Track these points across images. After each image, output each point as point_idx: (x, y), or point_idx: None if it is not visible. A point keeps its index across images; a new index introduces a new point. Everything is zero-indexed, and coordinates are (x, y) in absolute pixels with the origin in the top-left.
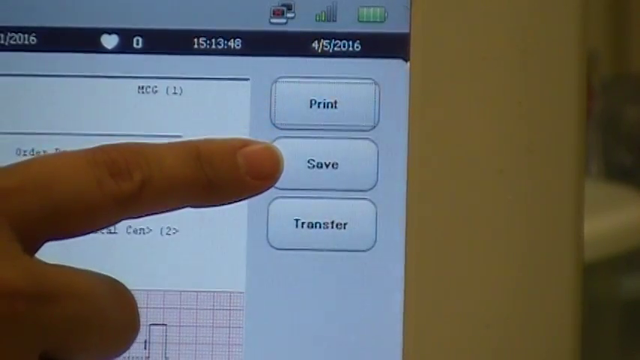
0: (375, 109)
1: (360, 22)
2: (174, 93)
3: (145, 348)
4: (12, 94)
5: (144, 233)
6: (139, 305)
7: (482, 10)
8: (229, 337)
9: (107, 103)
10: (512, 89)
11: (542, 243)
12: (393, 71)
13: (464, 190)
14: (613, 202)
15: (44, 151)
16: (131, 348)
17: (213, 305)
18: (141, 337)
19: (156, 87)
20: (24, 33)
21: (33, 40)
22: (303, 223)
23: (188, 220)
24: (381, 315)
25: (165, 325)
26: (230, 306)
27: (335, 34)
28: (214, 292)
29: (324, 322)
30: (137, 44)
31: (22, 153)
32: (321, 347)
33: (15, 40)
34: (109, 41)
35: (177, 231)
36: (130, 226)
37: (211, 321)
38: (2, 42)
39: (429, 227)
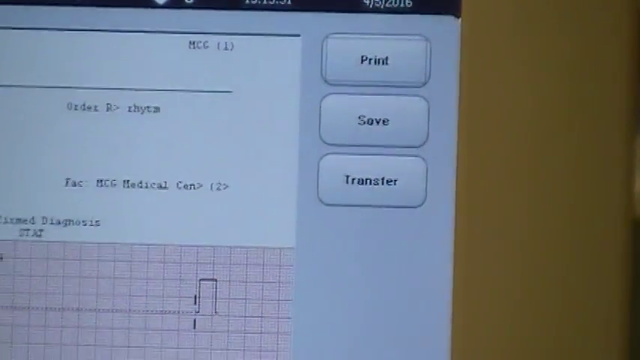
0: (425, 66)
1: None
2: (225, 49)
3: (195, 303)
4: (63, 49)
5: (194, 188)
6: (189, 261)
7: None
8: (279, 293)
9: (158, 58)
10: (563, 46)
11: (592, 200)
12: (444, 28)
13: (514, 147)
14: None
15: (95, 106)
16: (181, 303)
17: (264, 261)
18: (190, 292)
19: (207, 42)
20: None
21: None
22: (353, 179)
23: (238, 176)
24: (431, 272)
25: (215, 280)
26: (280, 262)
27: None
28: (264, 247)
29: (374, 279)
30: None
31: (73, 107)
32: (370, 303)
33: None
34: None
35: (227, 186)
36: (181, 182)
37: (261, 277)
38: None
39: (480, 184)
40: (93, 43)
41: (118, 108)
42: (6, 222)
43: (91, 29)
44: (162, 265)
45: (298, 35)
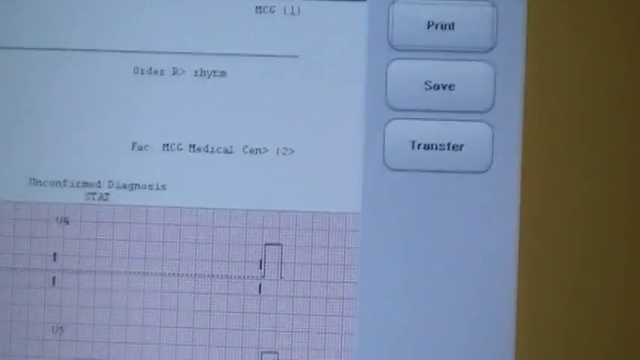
0: (492, 31)
1: None
2: (292, 13)
3: (260, 267)
4: (130, 13)
5: (260, 153)
6: (254, 225)
7: None
8: (344, 258)
9: (224, 23)
10: (632, 9)
11: None
12: None
13: (580, 111)
14: None
15: (161, 71)
16: (246, 267)
17: (329, 226)
18: (256, 256)
19: (273, 7)
20: None
21: None
22: (419, 144)
23: (304, 140)
24: (496, 237)
25: (281, 245)
26: (346, 227)
27: None
28: (330, 212)
29: (438, 244)
30: None
31: (140, 71)
32: (434, 267)
33: None
34: None
35: (293, 151)
36: (247, 146)
37: (326, 241)
38: None
39: (546, 149)
40: (160, 8)
41: (184, 72)
42: (72, 186)
43: None
44: (227, 229)
45: (365, 0)
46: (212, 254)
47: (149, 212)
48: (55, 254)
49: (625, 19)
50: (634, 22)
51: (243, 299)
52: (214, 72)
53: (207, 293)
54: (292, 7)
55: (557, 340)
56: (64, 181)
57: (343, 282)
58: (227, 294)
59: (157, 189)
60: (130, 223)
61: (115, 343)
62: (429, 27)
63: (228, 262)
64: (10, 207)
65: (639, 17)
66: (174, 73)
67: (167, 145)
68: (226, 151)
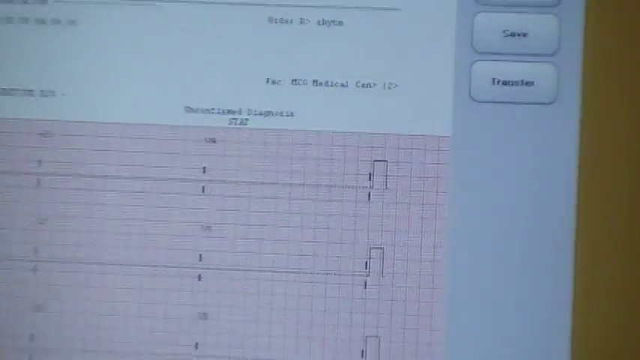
0: None
1: None
2: None
3: (370, 179)
4: None
5: (370, 87)
6: (365, 145)
7: None
8: (437, 172)
9: None
10: None
11: None
12: None
13: (636, 56)
14: None
15: (290, 20)
16: (358, 179)
17: (425, 146)
18: (366, 170)
19: None
20: None
21: None
22: (498, 81)
23: (406, 77)
24: (560, 159)
25: (386, 161)
26: (439, 147)
27: None
28: (426, 135)
29: (515, 163)
30: None
31: (274, 21)
32: (510, 184)
33: None
34: None
35: (397, 86)
36: (359, 81)
37: (423, 159)
38: None
39: (603, 87)
40: None
41: (309, 22)
42: (218, 112)
43: None
44: (343, 148)
45: None
46: (331, 169)
47: (280, 134)
48: (204, 168)
49: None
50: None
51: (355, 205)
52: (333, 21)
53: (327, 200)
54: None
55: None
56: (212, 109)
57: (437, 192)
58: (342, 200)
59: (287, 115)
60: (264, 143)
61: (255, 247)
62: None
63: (344, 174)
64: (168, 130)
65: None
66: (301, 23)
67: (295, 80)
68: (342, 85)
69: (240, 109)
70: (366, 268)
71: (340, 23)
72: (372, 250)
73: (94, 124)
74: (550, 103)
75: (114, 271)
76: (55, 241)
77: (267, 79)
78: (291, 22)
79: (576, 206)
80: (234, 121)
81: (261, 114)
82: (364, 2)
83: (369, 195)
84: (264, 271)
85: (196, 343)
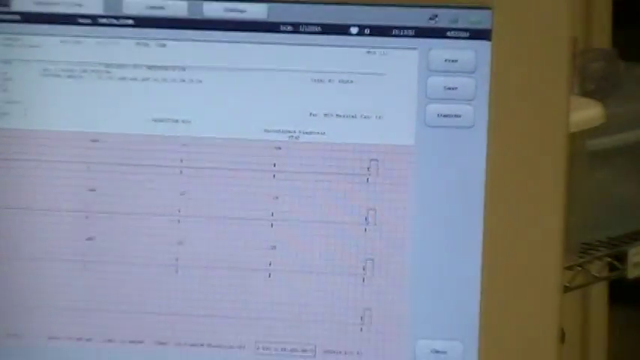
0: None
1: None
2: None
3: (368, 170)
4: None
5: (369, 118)
6: (366, 149)
7: None
8: (406, 165)
9: None
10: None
11: None
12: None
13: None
14: None
15: (329, 80)
16: (360, 170)
17: (400, 150)
18: (365, 164)
19: None
20: None
21: None
22: (440, 114)
23: (389, 110)
24: (475, 162)
25: (377, 160)
26: (408, 151)
27: None
28: (400, 145)
29: (450, 164)
30: None
31: (315, 81)
32: (445, 178)
33: None
34: None
35: (382, 117)
36: None
37: (399, 157)
38: None
39: (501, 118)
40: None
41: (333, 81)
42: (283, 132)
43: None
44: (352, 150)
45: None
46: (341, 163)
47: (316, 145)
48: (275, 164)
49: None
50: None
51: (359, 186)
52: (349, 81)
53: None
54: None
55: None
56: (279, 130)
57: (406, 178)
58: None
59: (320, 134)
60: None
61: None
62: None
63: (352, 167)
64: (250, 142)
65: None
66: (329, 81)
67: (326, 114)
68: (352, 117)
69: (295, 130)
70: (365, 220)
71: (351, 82)
72: (369, 211)
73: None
74: (470, 127)
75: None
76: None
77: (310, 112)
78: (330, 81)
79: (485, 198)
80: (291, 137)
81: (306, 133)
82: (370, 69)
83: (367, 179)
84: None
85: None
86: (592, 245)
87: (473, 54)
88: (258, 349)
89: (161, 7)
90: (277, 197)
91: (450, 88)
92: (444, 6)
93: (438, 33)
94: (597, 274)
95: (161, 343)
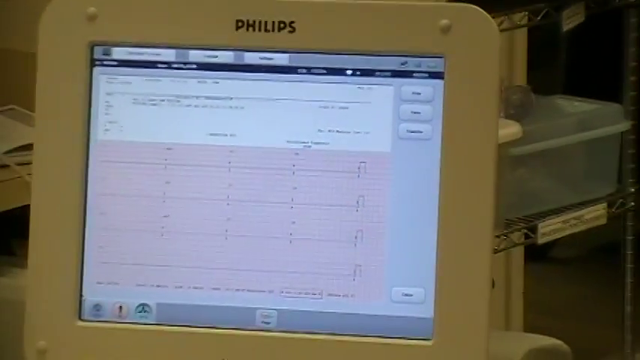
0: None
1: None
2: None
3: (358, 169)
4: None
5: (361, 134)
6: (355, 155)
7: None
8: (384, 167)
9: None
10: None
11: None
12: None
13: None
14: None
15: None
16: (351, 167)
17: (379, 155)
18: (356, 166)
19: None
20: None
21: None
22: (408, 130)
23: (376, 129)
24: (432, 164)
25: (366, 162)
26: (385, 156)
27: None
28: (380, 152)
29: (414, 169)
30: None
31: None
32: (410, 178)
33: None
34: None
35: (369, 132)
36: None
37: (378, 160)
38: None
39: (451, 132)
40: None
41: (333, 106)
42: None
43: None
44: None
45: None
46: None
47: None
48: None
49: None
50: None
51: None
52: (359, 102)
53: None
54: None
55: None
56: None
57: (383, 178)
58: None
59: (324, 143)
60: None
61: None
62: None
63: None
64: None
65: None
66: (340, 107)
67: (330, 130)
68: (347, 132)
69: (308, 141)
70: (357, 204)
71: (347, 108)
72: (359, 197)
73: None
74: (429, 139)
75: None
76: None
77: (318, 129)
78: (332, 107)
79: (439, 187)
80: (306, 146)
81: (316, 143)
82: (360, 99)
83: (358, 175)
84: None
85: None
86: (513, 221)
87: (431, 89)
88: (282, 293)
89: (215, 56)
90: (295, 187)
91: (415, 112)
92: (411, 55)
93: (407, 74)
94: (517, 241)
95: (215, 289)
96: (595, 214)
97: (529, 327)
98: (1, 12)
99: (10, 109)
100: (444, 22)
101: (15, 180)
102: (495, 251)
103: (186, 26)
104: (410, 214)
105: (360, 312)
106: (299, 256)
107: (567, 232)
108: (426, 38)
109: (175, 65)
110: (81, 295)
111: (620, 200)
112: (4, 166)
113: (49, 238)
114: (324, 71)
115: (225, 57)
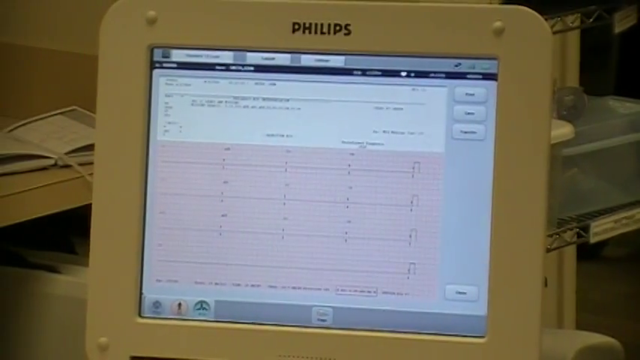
0: None
1: None
2: None
3: (413, 168)
4: None
5: (414, 134)
6: (411, 155)
7: None
8: (438, 167)
9: None
10: None
11: None
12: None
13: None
14: None
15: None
16: (406, 169)
17: (433, 156)
18: (410, 166)
19: None
20: None
21: None
22: (462, 131)
23: (431, 130)
24: (486, 166)
25: (420, 162)
26: (439, 157)
27: None
28: (435, 152)
29: (468, 169)
30: None
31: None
32: (465, 178)
33: None
34: None
35: (423, 133)
36: None
37: (433, 162)
38: None
39: (504, 134)
40: None
41: (384, 107)
42: (354, 143)
43: None
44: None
45: None
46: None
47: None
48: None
49: None
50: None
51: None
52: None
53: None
54: None
55: None
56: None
57: (435, 179)
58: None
59: (379, 144)
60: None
61: None
62: None
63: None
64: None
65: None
66: (385, 108)
67: (385, 131)
68: (401, 133)
69: (363, 142)
70: (411, 203)
71: (402, 109)
72: (413, 197)
73: None
74: (482, 140)
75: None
76: None
77: (373, 130)
78: (387, 108)
79: (492, 187)
80: (361, 146)
81: (371, 144)
82: (414, 100)
83: (412, 175)
84: None
85: None
86: (565, 220)
87: (485, 90)
88: (337, 290)
89: (272, 59)
90: (351, 187)
91: (468, 113)
92: (465, 57)
93: (461, 76)
94: (569, 240)
95: (272, 286)
96: None
97: (581, 325)
98: (66, 16)
99: (72, 110)
100: (498, 24)
101: (77, 180)
102: (548, 250)
103: (244, 29)
104: (463, 213)
105: (414, 309)
106: (354, 254)
107: (619, 232)
108: (480, 40)
109: (233, 67)
110: (141, 293)
111: None
112: (66, 166)
113: (110, 236)
114: (379, 73)
115: (282, 59)
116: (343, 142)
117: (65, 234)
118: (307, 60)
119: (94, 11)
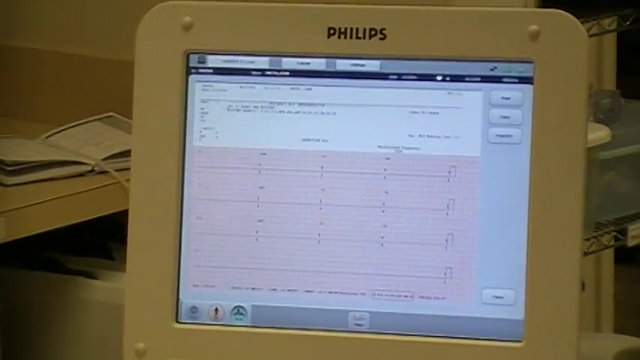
0: None
1: None
2: None
3: (449, 173)
4: None
5: (451, 138)
6: (448, 160)
7: None
8: (474, 170)
9: None
10: None
11: None
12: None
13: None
14: None
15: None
16: (441, 173)
17: (470, 158)
18: (446, 170)
19: None
20: None
21: None
22: (497, 134)
23: (466, 133)
24: (522, 169)
25: (455, 166)
26: (475, 160)
27: None
28: (470, 156)
29: (505, 171)
30: None
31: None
32: (502, 180)
33: None
34: None
35: (459, 137)
36: None
37: (470, 164)
38: None
39: (540, 137)
40: None
41: (421, 112)
42: (391, 148)
43: None
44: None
45: None
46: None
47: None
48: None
49: None
50: None
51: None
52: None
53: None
54: None
55: None
56: (398, 146)
57: (473, 183)
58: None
59: (414, 149)
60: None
61: None
62: None
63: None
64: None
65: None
66: (414, 113)
67: (411, 135)
68: (437, 137)
69: (399, 146)
70: (447, 207)
71: (437, 113)
72: (450, 201)
73: None
74: (519, 144)
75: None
76: None
77: (409, 134)
78: (422, 112)
79: (529, 191)
80: (397, 150)
81: (407, 148)
82: (450, 104)
83: (449, 179)
84: None
85: None
86: (602, 224)
87: (520, 94)
88: (374, 295)
89: (307, 63)
90: (387, 192)
91: (504, 117)
92: (501, 60)
93: (497, 79)
94: (606, 243)
95: (308, 291)
96: None
97: (619, 329)
98: (103, 24)
99: (109, 116)
100: (533, 27)
101: (113, 185)
102: (585, 254)
103: (279, 34)
104: (500, 217)
105: (451, 314)
106: (390, 258)
107: None
108: (516, 44)
109: (269, 72)
110: (178, 298)
111: None
112: (103, 172)
113: (147, 242)
114: (415, 77)
115: (318, 64)
116: (379, 146)
117: (102, 240)
118: (343, 65)
119: (131, 18)
